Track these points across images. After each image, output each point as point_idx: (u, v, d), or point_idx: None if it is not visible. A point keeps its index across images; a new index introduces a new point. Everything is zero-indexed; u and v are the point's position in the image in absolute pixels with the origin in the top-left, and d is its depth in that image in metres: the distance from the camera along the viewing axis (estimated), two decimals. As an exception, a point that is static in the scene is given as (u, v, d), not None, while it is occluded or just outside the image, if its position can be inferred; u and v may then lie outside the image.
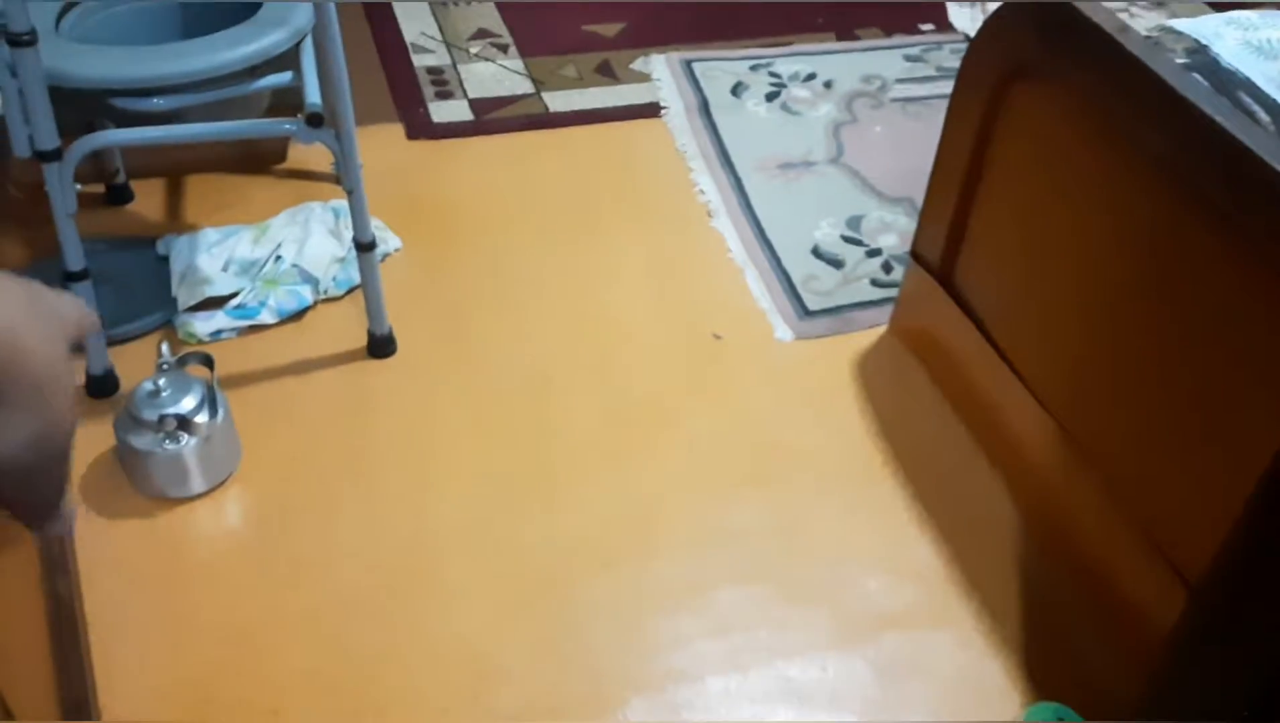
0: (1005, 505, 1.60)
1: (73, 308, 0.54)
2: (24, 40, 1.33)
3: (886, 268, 1.98)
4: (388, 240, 1.93)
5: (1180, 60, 1.40)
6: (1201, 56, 1.38)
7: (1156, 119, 1.25)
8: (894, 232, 2.06)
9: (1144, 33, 1.43)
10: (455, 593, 1.45)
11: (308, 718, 1.30)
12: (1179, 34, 1.44)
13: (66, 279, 1.54)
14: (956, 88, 1.61)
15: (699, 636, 1.42)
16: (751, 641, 1.42)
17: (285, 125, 1.54)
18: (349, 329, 1.78)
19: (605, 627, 1.42)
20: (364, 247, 1.65)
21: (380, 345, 1.75)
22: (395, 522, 1.53)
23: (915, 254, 1.78)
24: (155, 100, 1.48)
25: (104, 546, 1.46)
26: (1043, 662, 1.41)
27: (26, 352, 0.46)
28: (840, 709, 1.35)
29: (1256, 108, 1.30)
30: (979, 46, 1.55)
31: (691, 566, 1.50)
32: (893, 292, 1.91)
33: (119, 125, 1.54)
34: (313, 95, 1.50)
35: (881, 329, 1.87)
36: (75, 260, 1.53)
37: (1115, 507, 1.40)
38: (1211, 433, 1.24)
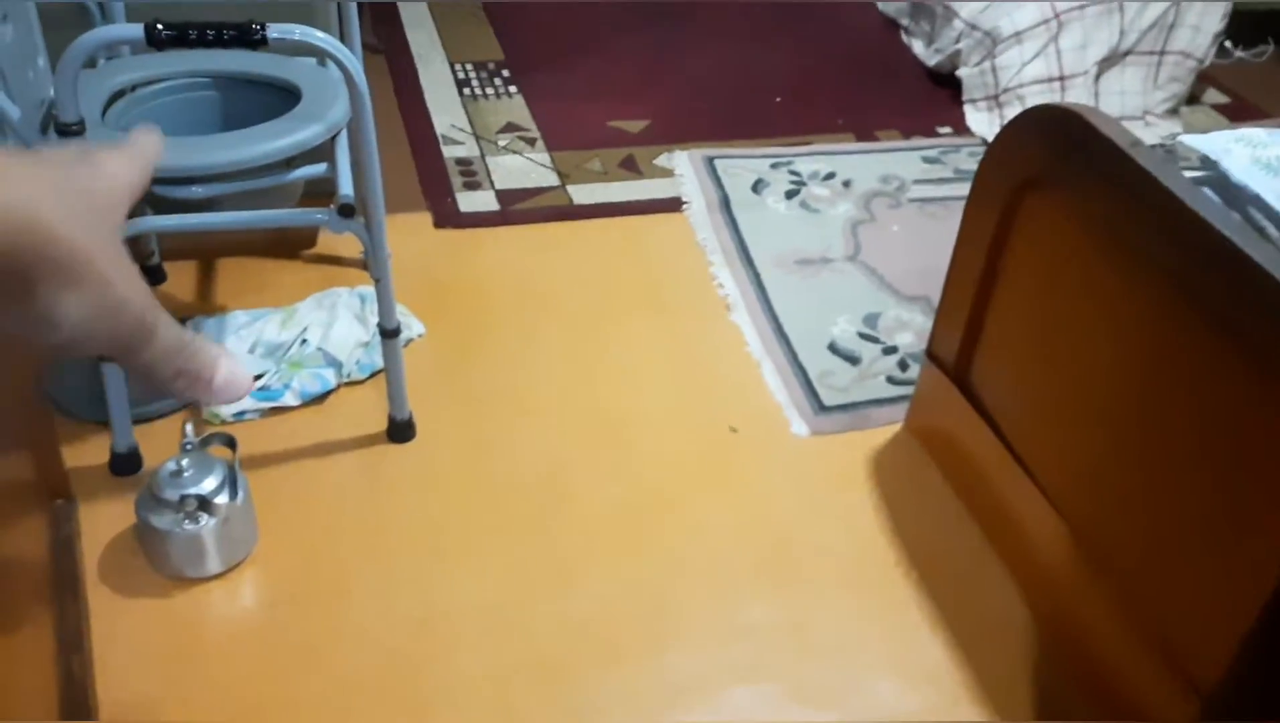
0: (1018, 608, 1.59)
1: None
2: (72, 130, 1.39)
3: (903, 366, 2.00)
4: (412, 326, 1.97)
5: (1192, 174, 1.43)
6: (1213, 172, 1.41)
7: (1167, 233, 1.28)
8: (910, 330, 2.08)
9: (1158, 141, 1.47)
10: (465, 681, 1.45)
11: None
12: (1191, 149, 1.48)
13: (100, 358, 1.58)
14: (971, 195, 1.65)
15: (708, 733, 1.41)
16: (761, 740, 1.41)
17: (317, 215, 1.59)
18: (370, 413, 1.81)
19: (614, 721, 1.41)
20: (388, 333, 1.68)
21: (400, 430, 1.78)
22: (407, 608, 1.53)
23: (931, 354, 1.80)
24: (194, 188, 1.53)
25: (119, 624, 1.47)
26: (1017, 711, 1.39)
27: (55, 229, 0.44)
28: (849, 815, 1.33)
29: (1266, 223, 1.33)
30: (994, 155, 1.59)
31: (702, 661, 1.50)
32: (908, 389, 1.92)
33: (158, 211, 1.59)
34: (345, 186, 1.55)
35: (897, 427, 1.89)
36: (108, 340, 1.56)
37: (1128, 613, 1.39)
38: (1224, 543, 1.24)
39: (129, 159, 0.52)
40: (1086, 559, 1.47)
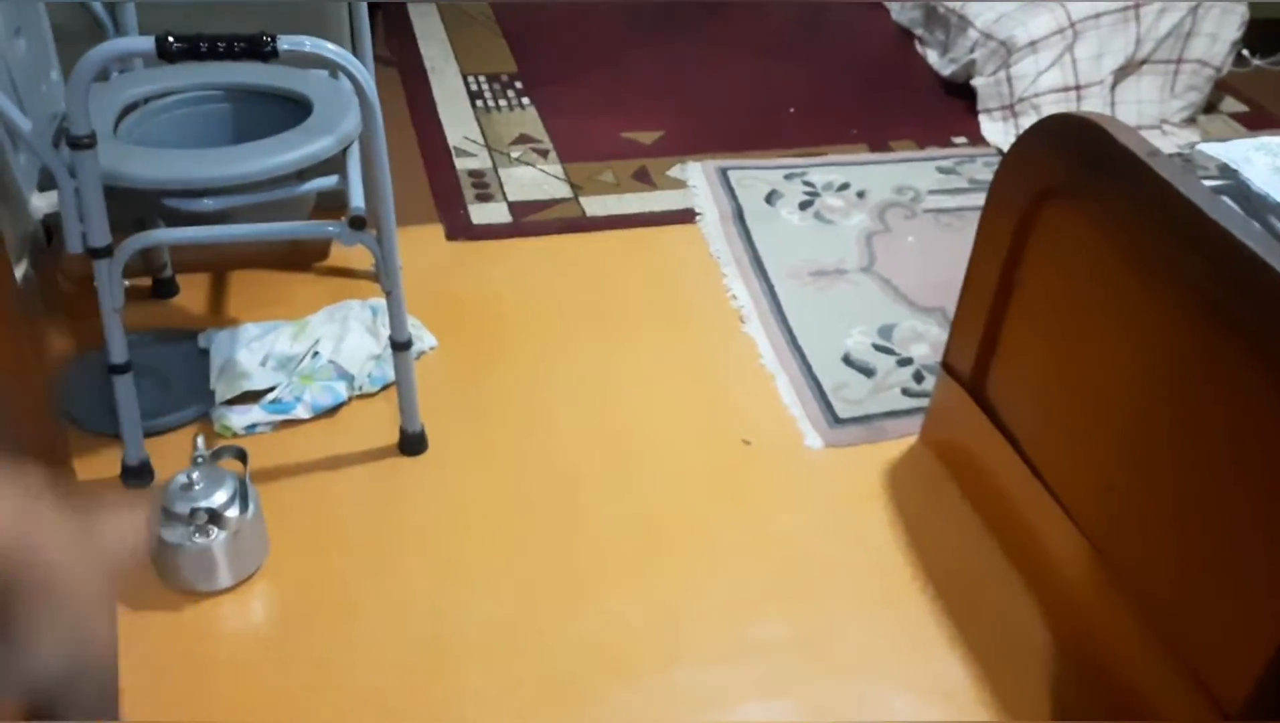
0: (1037, 625, 1.57)
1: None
2: (84, 143, 1.39)
3: (918, 377, 1.99)
4: (424, 339, 1.96)
5: (1211, 183, 1.41)
6: (1232, 180, 1.39)
7: (1187, 243, 1.26)
8: (926, 341, 2.06)
9: (1175, 150, 1.45)
10: (475, 697, 1.43)
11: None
12: (1210, 157, 1.46)
13: (110, 371, 1.58)
14: (987, 205, 1.63)
15: (722, 751, 1.39)
16: (775, 758, 1.39)
17: (329, 228, 1.58)
18: (382, 426, 1.80)
19: (626, 739, 1.40)
20: (400, 345, 1.68)
21: (412, 443, 1.77)
22: (418, 622, 1.52)
23: (946, 365, 1.79)
24: (205, 201, 1.52)
25: (128, 638, 1.47)
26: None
27: (50, 569, 0.45)
28: (866, 834, 1.31)
29: (1288, 233, 1.31)
30: (1010, 165, 1.58)
31: (715, 678, 1.48)
32: (924, 402, 1.90)
33: (170, 224, 1.59)
34: (356, 199, 1.54)
35: (912, 439, 1.87)
36: (119, 354, 1.56)
37: (1151, 632, 1.37)
38: (1249, 561, 1.22)
39: (124, 524, 0.56)
40: (1108, 577, 1.44)
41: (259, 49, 1.35)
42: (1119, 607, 1.42)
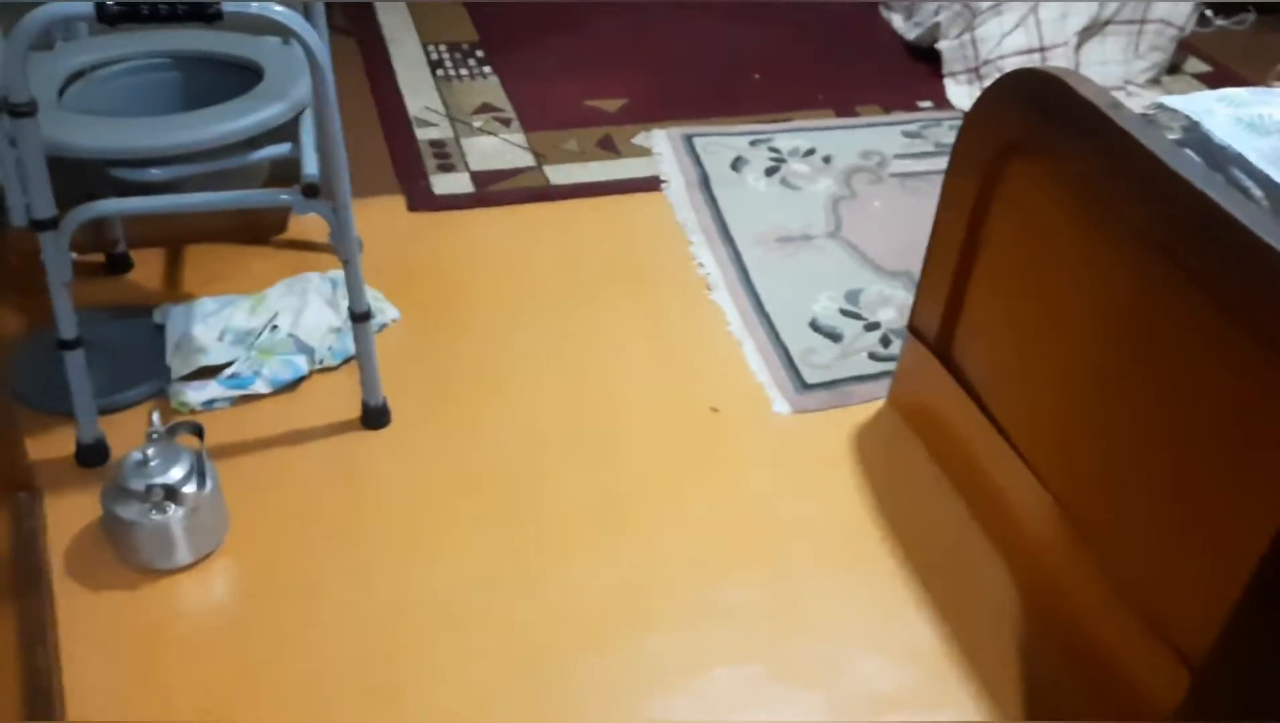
0: (1004, 583, 1.57)
1: None
2: (23, 111, 1.34)
3: (885, 341, 1.98)
4: (385, 311, 1.93)
5: (1174, 136, 1.40)
6: (1194, 133, 1.38)
7: (1149, 195, 1.25)
8: (893, 305, 2.05)
9: (1139, 110, 1.44)
10: (441, 670, 1.41)
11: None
12: (1172, 111, 1.44)
13: (60, 347, 1.54)
14: (951, 164, 1.62)
15: (691, 717, 1.38)
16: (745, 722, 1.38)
17: (282, 196, 1.55)
18: (343, 400, 1.77)
19: (595, 706, 1.39)
20: (359, 317, 1.65)
21: (374, 416, 1.74)
22: (381, 596, 1.50)
23: (913, 328, 1.78)
24: (153, 171, 1.49)
25: (86, 618, 1.44)
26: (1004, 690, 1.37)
27: None
28: (835, 796, 1.31)
29: (1249, 183, 1.30)
30: (973, 123, 1.56)
31: (684, 643, 1.47)
32: (891, 365, 1.90)
33: (118, 196, 1.55)
34: (309, 166, 1.51)
35: (880, 403, 1.86)
36: (68, 329, 1.53)
37: (1115, 586, 1.37)
38: (1209, 510, 1.22)
39: None
40: (1073, 532, 1.44)
41: (203, 11, 1.31)
42: (1084, 563, 1.42)
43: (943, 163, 1.68)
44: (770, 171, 2.42)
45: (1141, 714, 1.30)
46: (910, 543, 1.62)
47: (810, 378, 1.89)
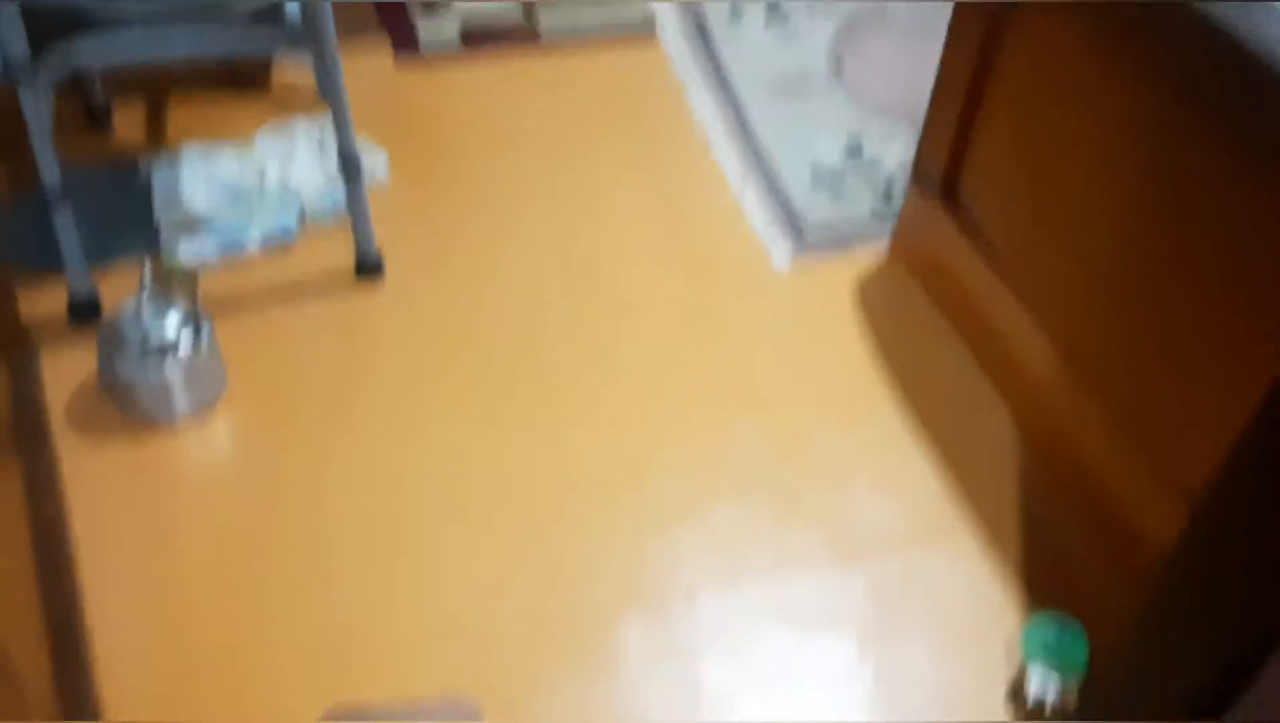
0: (1006, 426, 1.57)
1: None
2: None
3: (888, 190, 1.94)
4: (375, 163, 1.88)
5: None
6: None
7: (1171, 31, 1.20)
8: (895, 153, 2.01)
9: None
10: (447, 520, 1.43)
11: (297, 657, 1.29)
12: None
13: (46, 199, 1.50)
14: (958, 2, 1.56)
15: (694, 555, 1.40)
16: (748, 561, 1.40)
17: (262, 36, 1.49)
18: (336, 254, 1.74)
19: (600, 547, 1.40)
20: (350, 167, 1.60)
21: (368, 270, 1.71)
22: (385, 449, 1.50)
23: (916, 174, 1.74)
24: (127, 3, 1.41)
25: (90, 471, 1.44)
26: (1042, 580, 1.39)
27: None
28: (837, 628, 1.34)
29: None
30: (984, -48, 1.49)
31: (688, 490, 1.48)
32: (893, 214, 1.86)
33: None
34: (291, 6, 1.44)
35: (882, 252, 1.84)
36: (53, 177, 1.48)
37: (1117, 426, 1.37)
38: (1217, 350, 1.21)
39: None
40: (1076, 375, 1.44)
41: None
42: (1087, 406, 1.42)
43: (946, 5, 1.62)
44: (769, 16, 2.33)
45: (1139, 550, 1.32)
46: (912, 389, 1.62)
47: (811, 228, 1.86)
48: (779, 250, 1.83)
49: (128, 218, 1.74)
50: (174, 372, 1.43)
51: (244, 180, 1.76)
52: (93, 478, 1.43)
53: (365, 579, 1.35)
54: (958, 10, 1.57)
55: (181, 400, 1.47)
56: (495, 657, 1.29)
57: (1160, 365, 1.30)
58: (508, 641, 1.30)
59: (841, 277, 1.80)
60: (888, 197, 1.92)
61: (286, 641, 1.29)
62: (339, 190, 1.77)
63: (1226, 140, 1.15)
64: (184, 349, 1.44)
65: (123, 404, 1.48)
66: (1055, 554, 1.43)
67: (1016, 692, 1.28)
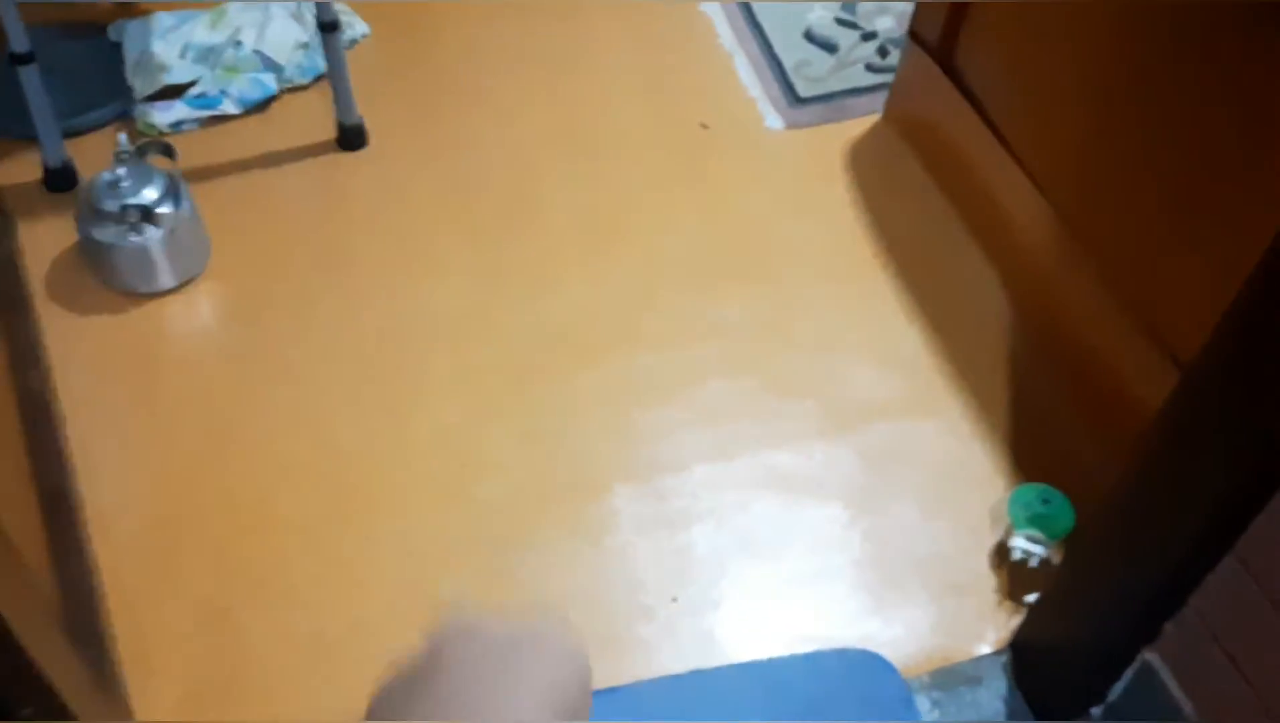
0: (997, 295, 1.56)
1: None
2: None
3: (882, 52, 1.88)
4: (354, 24, 1.82)
5: None
6: None
7: None
8: (891, 13, 1.94)
9: None
10: (439, 385, 1.42)
11: (295, 511, 1.30)
12: None
13: (13, 63, 1.45)
14: None
15: (685, 426, 1.41)
16: (738, 430, 1.41)
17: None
18: (317, 120, 1.69)
19: (592, 418, 1.41)
20: (328, 28, 1.54)
21: (351, 136, 1.67)
22: (374, 315, 1.49)
23: (913, 34, 1.68)
24: None
25: (74, 341, 1.43)
26: (1029, 447, 1.41)
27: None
28: (826, 495, 1.35)
29: None
30: None
31: (679, 358, 1.47)
32: (888, 77, 1.82)
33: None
34: None
35: (875, 116, 1.79)
36: (19, 41, 1.43)
37: (1110, 291, 1.36)
38: (1212, 213, 1.19)
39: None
40: (1070, 239, 1.43)
41: None
42: (1080, 271, 1.41)
43: None
44: None
45: (1126, 417, 1.33)
46: (903, 257, 1.61)
47: (804, 92, 1.82)
48: (772, 114, 1.78)
49: (99, 83, 1.68)
50: (156, 242, 1.41)
51: (218, 45, 1.70)
52: (77, 348, 1.42)
53: (357, 440, 1.36)
54: None
55: (165, 271, 1.45)
56: (487, 519, 1.30)
57: (1156, 228, 1.29)
58: (498, 504, 1.32)
59: (834, 141, 1.76)
60: (883, 58, 1.87)
61: (288, 504, 1.30)
62: (317, 56, 1.71)
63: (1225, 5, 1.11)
64: (165, 219, 1.41)
65: (104, 273, 1.46)
66: (1043, 422, 1.44)
67: (1001, 556, 1.30)
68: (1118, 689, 1.11)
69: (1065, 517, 1.29)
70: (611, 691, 1.15)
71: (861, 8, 1.95)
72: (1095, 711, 1.15)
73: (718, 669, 1.16)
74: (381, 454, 1.35)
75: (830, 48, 1.89)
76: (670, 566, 1.28)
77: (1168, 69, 1.22)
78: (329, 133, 1.68)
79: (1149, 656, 1.06)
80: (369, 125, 1.68)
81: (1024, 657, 1.21)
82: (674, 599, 1.25)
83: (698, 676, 1.15)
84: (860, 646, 1.20)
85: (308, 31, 1.74)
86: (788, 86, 1.82)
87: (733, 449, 1.39)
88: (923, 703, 1.16)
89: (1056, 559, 1.26)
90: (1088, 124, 1.38)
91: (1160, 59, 1.23)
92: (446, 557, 1.27)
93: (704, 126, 1.76)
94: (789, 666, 1.15)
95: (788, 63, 1.86)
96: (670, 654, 1.20)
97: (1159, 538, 1.01)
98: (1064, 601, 1.16)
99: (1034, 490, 1.31)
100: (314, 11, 1.54)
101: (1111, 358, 1.37)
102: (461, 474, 1.34)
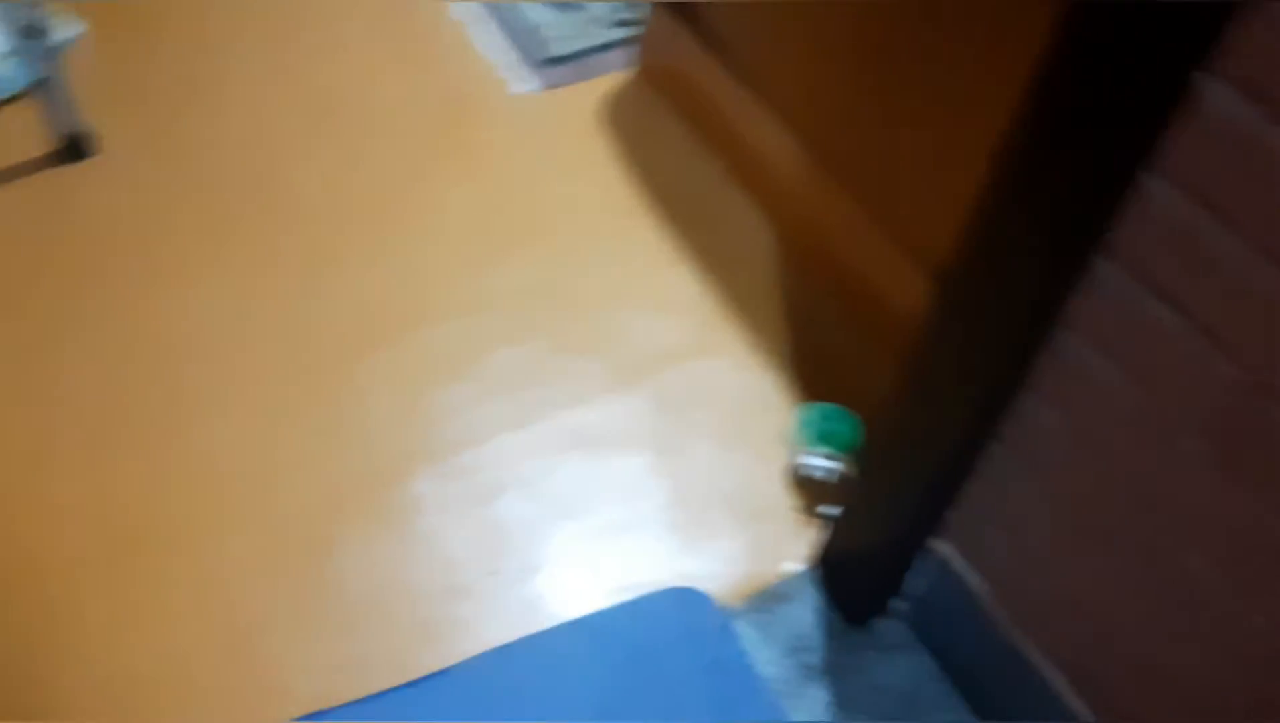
0: (763, 232, 1.62)
1: None
2: None
3: (630, 6, 1.91)
4: (66, 26, 1.68)
5: None
6: None
7: None
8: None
9: None
10: (215, 397, 1.35)
11: (79, 554, 1.21)
12: None
13: None
14: None
15: (480, 398, 1.40)
16: (533, 396, 1.41)
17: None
18: (33, 133, 1.56)
19: (383, 403, 1.38)
20: (29, 33, 1.42)
21: (76, 146, 1.55)
22: (134, 333, 1.40)
23: (652, -13, 1.72)
24: None
25: None
26: (810, 372, 1.47)
27: None
28: (629, 447, 1.38)
29: None
30: None
31: (464, 331, 1.46)
32: (637, 31, 1.84)
33: None
34: None
35: (628, 71, 1.82)
36: None
37: (865, 213, 1.44)
38: (944, 136, 1.28)
39: None
40: (823, 172, 1.49)
41: None
42: (835, 196, 1.48)
43: None
44: None
45: (894, 325, 1.41)
46: (670, 206, 1.64)
47: (553, 52, 1.82)
48: (526, 77, 1.78)
49: None
50: None
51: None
52: None
53: (136, 472, 1.28)
54: None
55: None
56: (286, 528, 1.25)
57: (899, 147, 1.37)
58: (296, 510, 1.27)
59: (589, 100, 1.77)
60: (632, 13, 1.89)
61: (59, 543, 1.21)
62: (28, 63, 1.57)
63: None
64: None
65: None
66: (821, 345, 1.51)
67: (798, 477, 1.36)
68: (916, 583, 1.20)
69: (851, 430, 1.36)
70: (443, 673, 1.14)
71: (598, -36, 1.97)
72: (897, 603, 1.22)
73: (543, 633, 1.17)
74: (164, 482, 1.28)
75: (576, 6, 1.90)
76: (484, 540, 1.27)
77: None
78: (48, 146, 1.55)
79: (937, 544, 1.14)
80: (100, 131, 1.57)
81: (830, 568, 1.28)
82: (493, 573, 1.25)
83: (525, 642, 1.16)
84: (678, 584, 1.24)
85: (8, 40, 1.60)
86: (535, 48, 1.82)
87: (530, 415, 1.39)
88: (743, 627, 1.21)
89: (849, 470, 1.33)
90: (828, 55, 1.44)
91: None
92: (250, 576, 1.21)
93: (455, 97, 1.74)
94: (612, 616, 1.18)
95: (532, 23, 1.85)
96: (497, 628, 1.20)
97: (932, 436, 1.08)
98: (858, 508, 1.22)
99: (817, 409, 1.37)
100: (18, 19, 1.41)
101: (873, 275, 1.45)
102: (253, 485, 1.28)
